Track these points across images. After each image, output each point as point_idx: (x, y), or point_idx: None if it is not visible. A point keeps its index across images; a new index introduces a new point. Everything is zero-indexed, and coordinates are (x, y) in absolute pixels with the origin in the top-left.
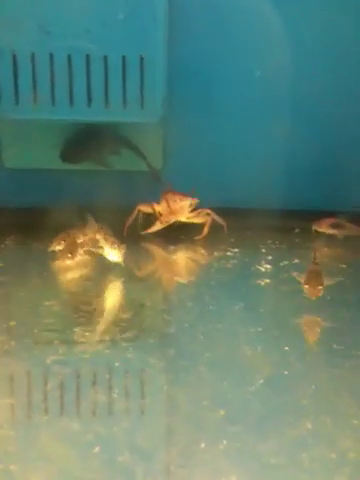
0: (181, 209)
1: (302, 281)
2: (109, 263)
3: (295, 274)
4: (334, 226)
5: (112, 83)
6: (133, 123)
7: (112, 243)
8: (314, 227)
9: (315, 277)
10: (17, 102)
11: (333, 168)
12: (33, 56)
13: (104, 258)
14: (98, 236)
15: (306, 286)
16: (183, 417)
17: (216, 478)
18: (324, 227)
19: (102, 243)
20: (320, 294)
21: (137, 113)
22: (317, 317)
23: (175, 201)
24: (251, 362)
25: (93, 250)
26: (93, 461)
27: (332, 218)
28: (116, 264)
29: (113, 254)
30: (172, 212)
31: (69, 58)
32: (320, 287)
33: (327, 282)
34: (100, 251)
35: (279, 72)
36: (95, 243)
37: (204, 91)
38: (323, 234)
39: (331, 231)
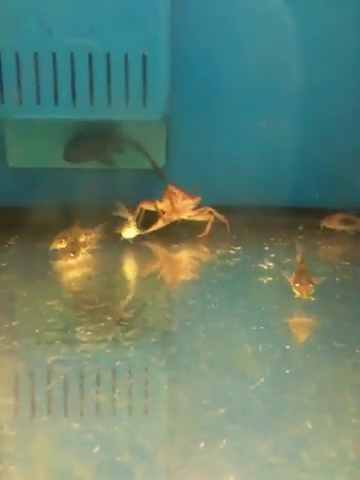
0: (184, 207)
1: (291, 280)
2: (111, 261)
3: (284, 274)
4: (344, 222)
5: (114, 81)
6: (136, 121)
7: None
8: (323, 224)
9: (305, 276)
10: (20, 102)
11: (337, 165)
12: (36, 55)
13: (105, 257)
14: (130, 218)
15: (297, 284)
16: (183, 416)
17: (216, 477)
18: (334, 223)
19: (130, 224)
20: (311, 292)
21: (140, 111)
22: (318, 315)
23: (178, 199)
24: (252, 360)
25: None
26: (93, 460)
27: (342, 214)
28: (118, 262)
29: (130, 232)
30: (175, 210)
31: (71, 57)
32: (311, 285)
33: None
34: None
35: (283, 68)
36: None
37: (207, 88)
38: (333, 231)
39: (341, 227)
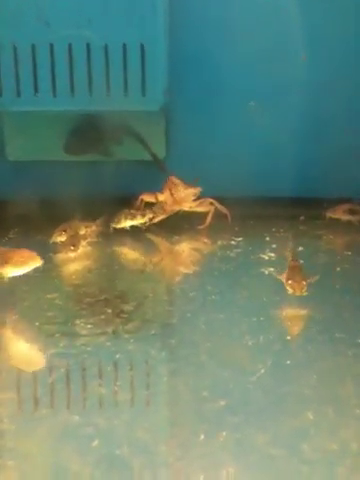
0: (185, 198)
1: (283, 278)
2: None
3: (272, 270)
4: (349, 212)
5: (113, 72)
6: (135, 112)
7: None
8: (328, 214)
9: (298, 273)
10: (18, 94)
11: (338, 155)
12: (33, 47)
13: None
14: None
15: (290, 281)
16: (183, 408)
17: (216, 469)
18: (339, 213)
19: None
20: (304, 289)
21: (138, 102)
22: (319, 306)
23: (179, 190)
24: (253, 352)
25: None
26: (92, 453)
27: (347, 204)
28: (118, 255)
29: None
30: (176, 201)
31: (69, 48)
32: (304, 282)
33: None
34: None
35: (283, 60)
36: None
37: (207, 79)
38: (338, 221)
39: (346, 217)
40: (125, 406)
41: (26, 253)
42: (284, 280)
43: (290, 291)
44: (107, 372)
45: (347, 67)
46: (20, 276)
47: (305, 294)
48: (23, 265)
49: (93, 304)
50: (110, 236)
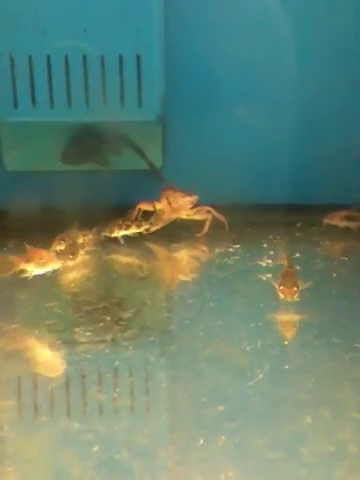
0: (182, 206)
1: (276, 284)
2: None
3: (269, 277)
4: (347, 218)
5: (109, 83)
6: (132, 122)
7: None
8: (325, 220)
9: (291, 279)
10: (16, 105)
11: (335, 162)
12: (30, 58)
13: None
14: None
15: (281, 287)
16: (183, 413)
17: (215, 474)
18: (336, 220)
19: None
20: (296, 295)
21: (135, 112)
22: (316, 311)
23: (176, 198)
24: (251, 357)
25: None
26: (92, 459)
27: (344, 210)
28: (116, 263)
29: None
30: (173, 209)
31: (66, 59)
32: (295, 288)
33: (301, 287)
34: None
35: (279, 67)
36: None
37: (203, 88)
38: (335, 227)
39: (344, 224)
40: (125, 412)
41: (45, 254)
42: (276, 286)
43: (282, 296)
44: (106, 379)
45: (344, 72)
46: (19, 284)
47: (296, 300)
48: (44, 266)
49: (92, 312)
50: (108, 244)
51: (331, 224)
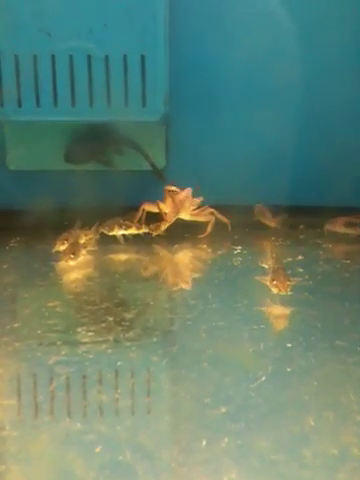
0: (185, 199)
1: (268, 281)
2: (112, 262)
3: (259, 278)
4: (348, 225)
5: (114, 83)
6: (135, 122)
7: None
8: (327, 227)
9: (282, 274)
10: (20, 104)
11: (340, 163)
12: (35, 58)
13: (106, 257)
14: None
15: (274, 282)
16: (185, 415)
17: (218, 475)
18: (337, 226)
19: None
20: (289, 288)
21: (139, 112)
22: (319, 313)
23: (178, 195)
24: (253, 359)
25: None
26: (95, 460)
27: (345, 217)
28: (119, 263)
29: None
30: (177, 205)
31: (71, 59)
32: (288, 283)
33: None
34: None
35: (282, 68)
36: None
37: (206, 89)
38: (337, 233)
39: (345, 230)
40: (127, 413)
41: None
42: (269, 282)
43: (275, 291)
44: (109, 379)
45: (349, 72)
46: (22, 284)
47: (289, 293)
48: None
49: (94, 312)
50: (111, 245)
51: (332, 231)
